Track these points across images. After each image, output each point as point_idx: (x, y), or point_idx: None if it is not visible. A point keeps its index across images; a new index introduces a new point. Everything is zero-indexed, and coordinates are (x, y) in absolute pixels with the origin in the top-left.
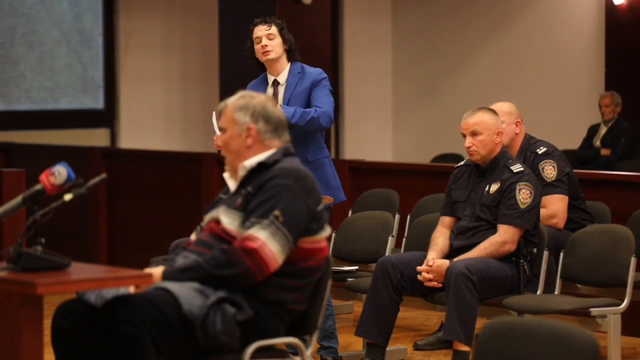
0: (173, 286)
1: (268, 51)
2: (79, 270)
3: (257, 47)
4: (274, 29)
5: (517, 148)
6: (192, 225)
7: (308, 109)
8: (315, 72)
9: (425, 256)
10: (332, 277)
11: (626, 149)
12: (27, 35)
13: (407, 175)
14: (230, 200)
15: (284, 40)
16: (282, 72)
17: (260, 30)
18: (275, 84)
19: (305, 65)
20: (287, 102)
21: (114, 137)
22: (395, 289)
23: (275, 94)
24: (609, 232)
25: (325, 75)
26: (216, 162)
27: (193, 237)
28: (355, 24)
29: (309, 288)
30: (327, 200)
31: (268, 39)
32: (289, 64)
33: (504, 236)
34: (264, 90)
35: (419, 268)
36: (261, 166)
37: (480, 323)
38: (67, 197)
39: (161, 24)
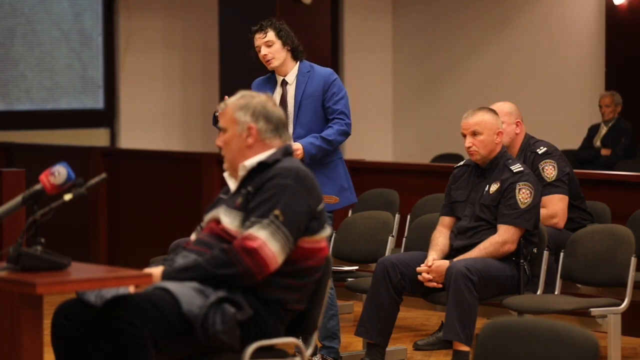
0: (173, 286)
1: (269, 60)
2: (79, 270)
3: (260, 56)
4: (270, 35)
5: (518, 148)
6: (192, 225)
7: (326, 133)
8: (326, 73)
9: (425, 256)
10: (332, 277)
11: (626, 149)
12: (27, 35)
13: (407, 175)
14: (230, 200)
15: (284, 43)
16: (291, 72)
17: (258, 39)
18: (284, 83)
19: (314, 65)
20: (299, 104)
21: (114, 137)
22: (396, 289)
23: (284, 94)
24: (609, 232)
25: (336, 75)
26: (216, 162)
27: (193, 237)
28: (355, 24)
29: (309, 288)
30: (332, 200)
31: (267, 47)
32: (297, 63)
33: (504, 236)
34: (270, 88)
35: (418, 268)
36: (261, 166)
37: (480, 323)
38: (67, 197)
39: (161, 23)
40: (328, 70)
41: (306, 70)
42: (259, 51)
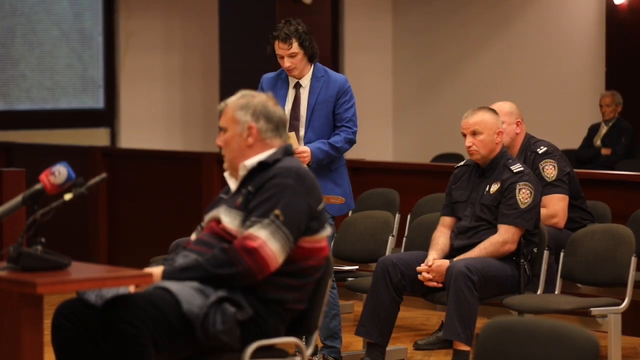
0: (173, 285)
1: (292, 69)
2: (79, 270)
3: (280, 61)
4: (295, 47)
5: (518, 148)
6: (192, 225)
7: (334, 140)
8: (341, 80)
9: (425, 256)
10: (332, 276)
11: (626, 148)
12: (27, 34)
13: (407, 175)
14: (230, 199)
15: (306, 51)
16: (306, 76)
17: (282, 49)
18: (298, 86)
19: (328, 69)
20: (312, 108)
21: (114, 136)
22: (396, 288)
23: (297, 97)
24: (609, 232)
25: (349, 83)
26: (216, 162)
27: (193, 236)
28: (355, 23)
29: (309, 287)
30: (338, 200)
31: (290, 57)
32: (311, 66)
33: (504, 236)
34: (282, 86)
35: (419, 268)
36: (262, 165)
37: (480, 323)
38: (67, 196)
39: (161, 23)
40: (343, 77)
41: (320, 74)
42: (281, 58)
